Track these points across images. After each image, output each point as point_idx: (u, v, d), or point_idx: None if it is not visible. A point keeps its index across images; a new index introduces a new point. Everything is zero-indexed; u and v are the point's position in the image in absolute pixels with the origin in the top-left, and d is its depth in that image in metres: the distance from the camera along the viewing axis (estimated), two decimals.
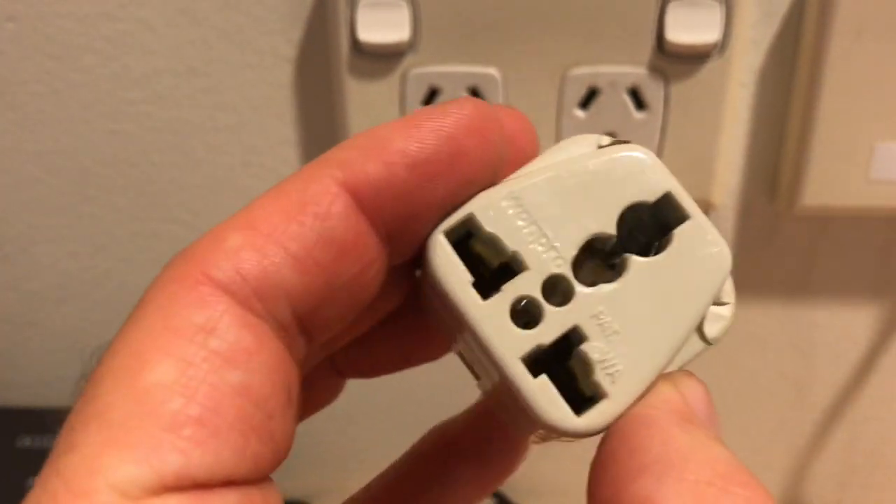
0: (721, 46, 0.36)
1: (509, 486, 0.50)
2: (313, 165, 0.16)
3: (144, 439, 0.14)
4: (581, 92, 0.38)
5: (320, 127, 0.41)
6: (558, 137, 0.39)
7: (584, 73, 0.37)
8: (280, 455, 0.16)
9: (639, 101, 0.38)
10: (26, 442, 0.47)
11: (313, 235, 0.16)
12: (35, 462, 0.46)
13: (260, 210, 0.16)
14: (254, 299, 0.15)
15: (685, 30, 0.36)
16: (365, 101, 0.38)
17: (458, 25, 0.37)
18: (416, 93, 0.38)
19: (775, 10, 0.38)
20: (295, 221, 0.16)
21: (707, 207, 0.41)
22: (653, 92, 0.37)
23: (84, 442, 0.14)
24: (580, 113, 0.38)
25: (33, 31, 0.39)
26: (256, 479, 0.15)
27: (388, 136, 0.16)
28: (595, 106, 0.38)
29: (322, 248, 0.16)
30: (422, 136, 0.16)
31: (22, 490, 0.44)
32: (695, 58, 0.37)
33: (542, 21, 0.36)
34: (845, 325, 0.45)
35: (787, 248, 0.43)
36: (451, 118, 0.16)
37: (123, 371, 0.14)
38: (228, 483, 0.14)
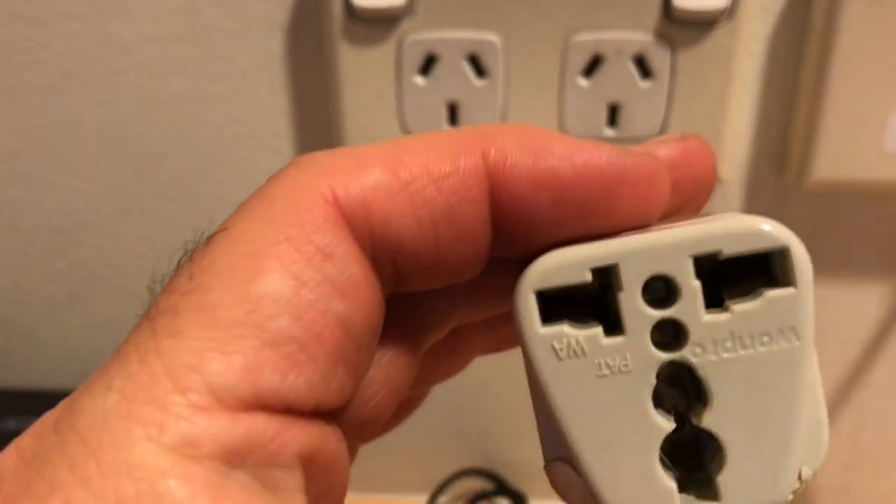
0: (730, 12, 0.35)
1: (511, 473, 0.49)
2: (473, 135, 0.16)
3: (250, 351, 0.14)
4: (585, 59, 0.36)
5: (313, 96, 0.39)
6: (560, 107, 0.37)
7: (588, 39, 0.36)
8: (369, 391, 0.16)
9: (644, 70, 0.36)
10: (10, 424, 0.46)
11: (444, 207, 0.15)
12: None
13: (408, 154, 0.15)
14: (370, 239, 0.15)
15: None
16: (359, 68, 0.37)
17: None
18: (413, 60, 0.36)
19: None
20: (434, 185, 0.15)
21: (716, 185, 0.40)
22: (659, 60, 0.36)
23: (190, 334, 0.14)
24: (583, 81, 0.37)
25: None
26: (337, 409, 0.15)
27: (550, 141, 0.16)
28: (599, 74, 0.36)
29: (446, 224, 0.15)
30: (591, 158, 0.15)
31: None
32: (702, 24, 0.35)
33: None
34: (854, 303, 0.43)
35: (796, 223, 0.41)
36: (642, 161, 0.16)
37: (238, 271, 0.14)
38: (315, 411, 0.15)
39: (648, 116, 0.37)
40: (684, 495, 0.15)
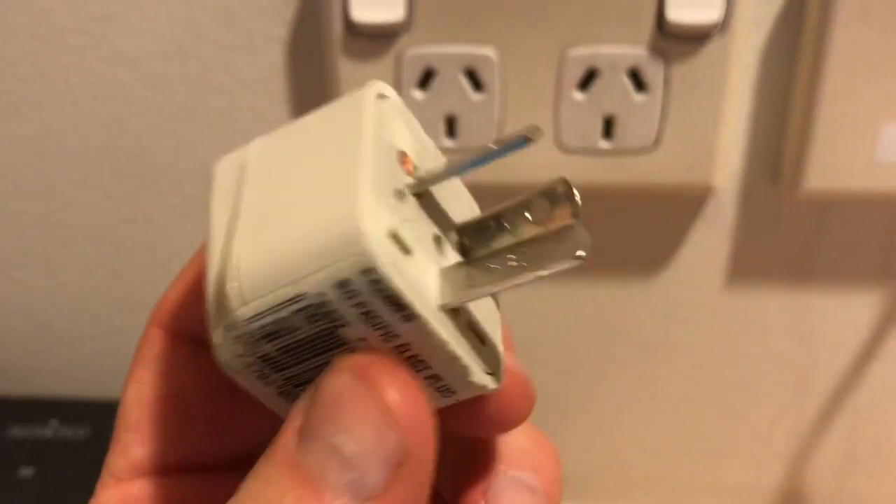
0: (722, 26, 0.36)
1: None
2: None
3: (122, 440, 0.20)
4: (580, 73, 0.37)
5: (313, 108, 0.40)
6: (556, 120, 0.38)
7: (583, 53, 0.36)
8: (228, 437, 0.21)
9: (639, 83, 0.37)
10: (17, 431, 0.47)
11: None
12: (25, 451, 0.45)
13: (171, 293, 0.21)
14: (183, 329, 0.20)
15: (686, 9, 0.35)
16: (358, 82, 0.37)
17: (454, 4, 0.36)
18: (411, 74, 0.37)
19: None
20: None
21: (708, 192, 0.41)
22: (653, 73, 0.37)
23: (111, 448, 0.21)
24: (579, 95, 0.37)
25: (17, 11, 0.39)
26: (213, 457, 0.20)
27: None
28: (594, 87, 0.37)
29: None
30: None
31: (13, 479, 0.44)
32: (696, 38, 0.36)
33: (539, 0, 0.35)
34: (848, 311, 0.44)
35: (790, 232, 0.42)
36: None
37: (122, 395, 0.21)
38: (185, 463, 0.20)
39: (643, 128, 0.38)
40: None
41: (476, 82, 0.37)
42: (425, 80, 0.37)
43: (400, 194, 0.16)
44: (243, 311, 0.15)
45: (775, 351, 0.46)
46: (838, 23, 0.36)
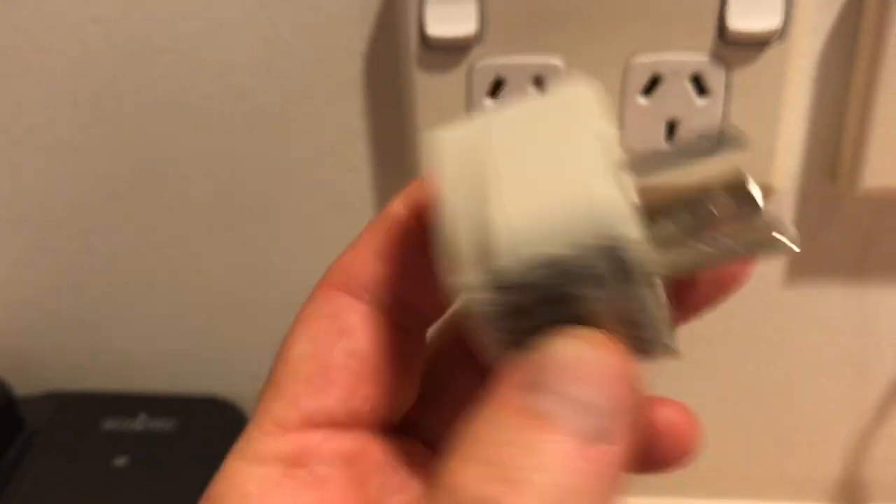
0: (782, 33, 0.37)
1: None
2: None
3: (290, 390, 0.21)
4: (644, 79, 0.39)
5: (390, 119, 0.43)
6: (622, 124, 0.40)
7: (647, 60, 0.38)
8: (394, 399, 0.22)
9: (700, 88, 0.39)
10: (110, 424, 0.49)
11: (400, 255, 0.22)
12: (119, 442, 0.48)
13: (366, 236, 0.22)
14: (361, 291, 0.21)
15: (746, 17, 0.37)
16: (432, 93, 0.40)
17: (523, 17, 0.38)
18: (482, 84, 0.39)
19: None
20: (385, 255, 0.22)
21: (768, 191, 0.42)
22: (714, 79, 0.38)
23: (265, 396, 0.21)
24: (643, 100, 0.39)
25: (116, 31, 0.42)
26: (377, 417, 0.21)
27: None
28: (658, 93, 0.39)
29: (404, 257, 0.22)
30: None
31: (109, 467, 0.47)
32: (755, 45, 0.38)
33: (605, 10, 0.37)
34: None
35: (848, 229, 0.43)
36: None
37: (283, 350, 0.22)
38: (353, 422, 0.21)
39: (706, 131, 0.39)
40: None
41: (544, 90, 0.39)
42: (496, 89, 0.39)
43: (623, 176, 0.19)
44: (509, 261, 0.18)
45: (835, 345, 0.47)
46: (895, 25, 0.37)
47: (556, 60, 0.39)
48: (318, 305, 0.22)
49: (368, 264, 0.21)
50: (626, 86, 0.39)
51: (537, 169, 0.19)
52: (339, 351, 0.21)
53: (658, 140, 0.40)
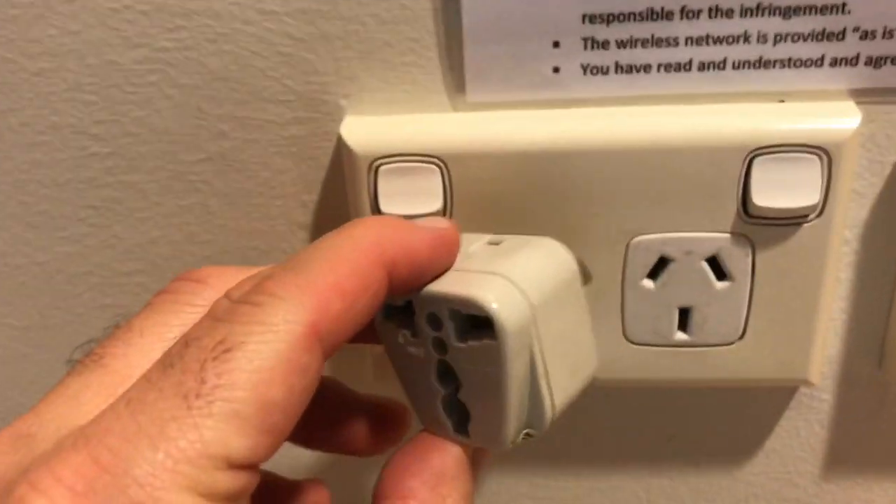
0: (821, 207, 0.30)
1: None
2: (361, 248, 0.22)
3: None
4: (650, 260, 0.31)
5: None
6: (622, 309, 0.32)
7: (652, 239, 0.31)
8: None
9: (719, 270, 0.31)
10: None
11: (368, 308, 0.22)
12: None
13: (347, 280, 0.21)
14: (328, 342, 0.20)
15: (776, 191, 0.30)
16: None
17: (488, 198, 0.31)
18: None
19: (884, 157, 0.31)
20: (363, 295, 0.21)
21: (804, 386, 0.35)
22: (736, 260, 0.31)
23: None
24: (649, 283, 0.32)
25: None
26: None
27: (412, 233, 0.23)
28: (666, 275, 0.32)
29: (366, 311, 0.21)
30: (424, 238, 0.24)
31: None
32: (788, 221, 0.30)
33: (605, 186, 0.30)
34: None
35: None
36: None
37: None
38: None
39: (725, 320, 0.32)
40: (457, 433, 0.25)
41: None
42: None
43: None
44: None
45: None
46: None
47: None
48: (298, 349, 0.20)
49: (341, 313, 0.21)
50: (626, 268, 0.32)
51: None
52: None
53: (669, 329, 0.33)
